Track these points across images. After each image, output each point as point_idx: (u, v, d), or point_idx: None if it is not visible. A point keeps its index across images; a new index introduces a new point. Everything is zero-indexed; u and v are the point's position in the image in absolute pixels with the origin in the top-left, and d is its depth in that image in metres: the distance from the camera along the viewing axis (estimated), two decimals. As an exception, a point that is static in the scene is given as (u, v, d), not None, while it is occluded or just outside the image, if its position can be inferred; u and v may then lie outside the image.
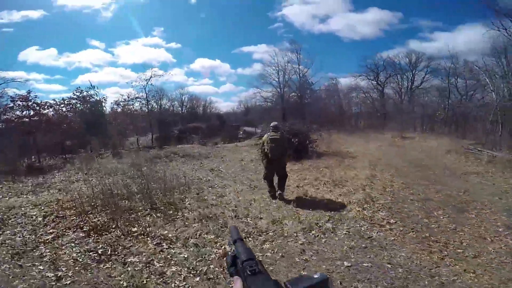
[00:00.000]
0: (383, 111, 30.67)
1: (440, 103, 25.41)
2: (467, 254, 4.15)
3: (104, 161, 10.38)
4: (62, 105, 13.16)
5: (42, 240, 3.76)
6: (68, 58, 39.20)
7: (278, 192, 5.80)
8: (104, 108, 13.91)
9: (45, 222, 4.41)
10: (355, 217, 5.26)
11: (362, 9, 52.04)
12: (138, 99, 15.10)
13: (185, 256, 3.37)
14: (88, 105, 13.64)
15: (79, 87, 13.99)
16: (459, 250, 4.29)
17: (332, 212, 5.38)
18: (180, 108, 33.19)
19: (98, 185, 6.52)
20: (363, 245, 4.18)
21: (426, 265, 3.74)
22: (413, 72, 30.59)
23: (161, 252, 3.43)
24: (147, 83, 14.53)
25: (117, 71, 41.49)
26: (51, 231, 4.04)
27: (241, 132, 32.98)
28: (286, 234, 4.27)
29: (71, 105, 13.43)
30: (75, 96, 13.63)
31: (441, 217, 5.75)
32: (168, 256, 3.34)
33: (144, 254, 3.35)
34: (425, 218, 5.62)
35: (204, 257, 3.38)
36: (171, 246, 3.62)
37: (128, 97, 15.25)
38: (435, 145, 15.39)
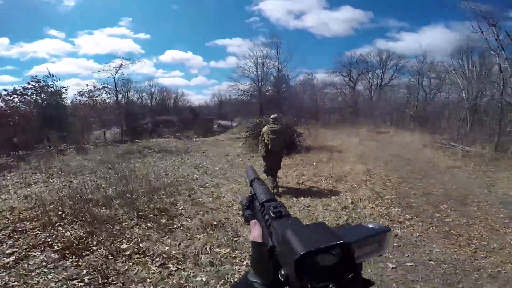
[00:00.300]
0: (354, 107, 31.69)
1: (409, 100, 26.73)
2: (493, 246, 4.12)
3: (66, 158, 8.87)
4: (13, 96, 11.05)
5: (1, 264, 2.70)
6: (21, 48, 35.56)
7: (273, 187, 5.64)
8: (64, 99, 11.98)
9: None
10: (372, 214, 4.87)
11: (335, 7, 53.44)
12: (105, 89, 13.30)
13: (204, 279, 2.59)
14: (46, 96, 11.61)
15: (35, 76, 11.93)
16: (483, 243, 4.24)
17: (347, 211, 4.95)
18: (149, 100, 30.75)
19: (63, 188, 5.36)
20: (395, 244, 3.84)
21: (465, 258, 3.60)
22: (383, 70, 32.13)
23: (170, 277, 2.59)
24: (116, 72, 12.84)
25: (78, 62, 39.24)
26: (9, 251, 2.96)
27: (216, 126, 31.87)
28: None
29: (25, 96, 11.32)
30: (30, 86, 11.54)
31: (449, 211, 5.66)
32: (182, 281, 2.52)
33: (149, 281, 2.49)
34: (436, 212, 5.49)
35: (227, 277, 2.64)
36: (179, 267, 2.79)
37: (95, 87, 13.38)
38: (410, 140, 15.94)
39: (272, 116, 5.88)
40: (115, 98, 13.69)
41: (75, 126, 12.29)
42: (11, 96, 10.94)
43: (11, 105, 10.73)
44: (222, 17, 49.39)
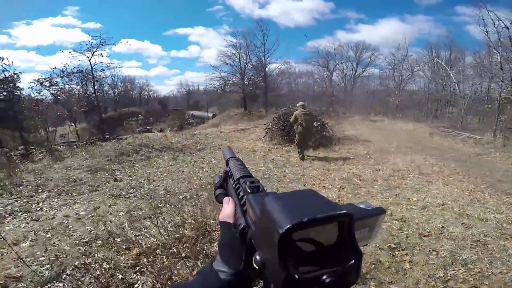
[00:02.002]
0: (332, 97, 31.74)
1: (385, 90, 27.45)
2: None
3: (39, 168, 6.25)
4: None
5: None
6: None
7: (300, 156, 7.30)
8: (19, 89, 8.72)
9: None
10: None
11: None
12: (78, 75, 10.11)
13: None
14: None
15: None
16: None
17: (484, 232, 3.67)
18: (111, 92, 26.70)
19: (69, 228, 3.25)
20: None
21: None
22: (358, 61, 32.58)
23: None
24: (92, 54, 9.77)
25: (17, 54, 35.70)
26: None
27: (188, 117, 29.13)
28: None
29: None
30: None
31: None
32: None
33: None
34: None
35: None
36: None
37: (64, 72, 10.10)
38: (411, 128, 15.78)
39: (300, 103, 7.32)
40: (85, 87, 10.56)
41: (35, 122, 9.21)
42: None
43: None
44: (182, 5, 46.39)
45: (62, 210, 3.90)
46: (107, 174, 5.89)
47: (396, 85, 29.98)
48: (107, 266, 2.38)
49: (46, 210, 3.90)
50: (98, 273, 2.25)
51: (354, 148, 8.81)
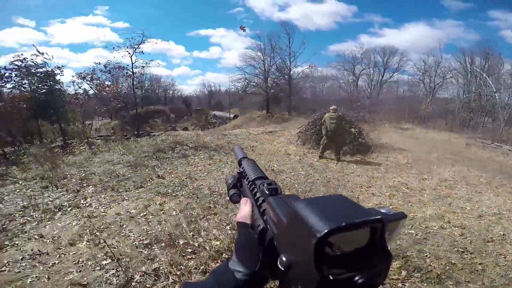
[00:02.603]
0: (357, 102, 30.88)
1: (420, 97, 26.39)
2: None
3: (79, 160, 6.34)
4: None
5: None
6: None
7: (337, 157, 7.51)
8: (59, 83, 8.98)
9: None
10: None
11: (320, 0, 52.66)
12: (112, 71, 10.28)
13: None
14: (34, 79, 8.58)
15: (21, 54, 8.78)
16: None
17: None
18: (138, 90, 27.24)
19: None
20: None
21: None
22: (385, 66, 31.50)
23: None
24: (135, 50, 9.88)
25: (52, 51, 36.55)
26: None
27: (210, 117, 29.30)
28: None
29: (6, 78, 8.25)
30: (12, 66, 8.44)
31: None
32: None
33: None
34: None
35: None
36: None
37: (106, 67, 10.31)
38: (446, 138, 15.00)
39: (332, 107, 7.59)
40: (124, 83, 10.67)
41: (74, 115, 9.44)
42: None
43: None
44: (204, 7, 47.45)
45: (111, 206, 3.83)
46: (147, 170, 5.84)
47: (426, 92, 28.87)
48: (178, 272, 2.21)
49: (96, 206, 3.84)
50: (172, 280, 2.08)
51: (392, 157, 8.41)
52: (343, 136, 7.79)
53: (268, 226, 0.35)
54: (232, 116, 31.35)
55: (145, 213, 3.53)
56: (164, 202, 4.00)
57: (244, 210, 0.40)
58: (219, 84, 48.09)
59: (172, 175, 5.52)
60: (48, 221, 3.37)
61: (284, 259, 0.27)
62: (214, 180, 5.36)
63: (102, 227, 3.13)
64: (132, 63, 10.08)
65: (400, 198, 4.97)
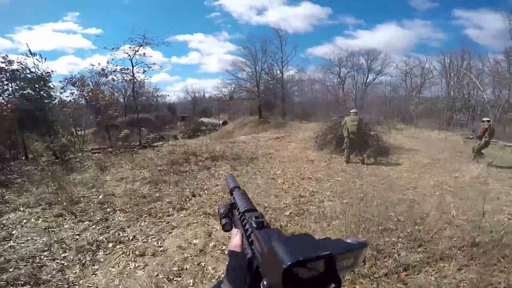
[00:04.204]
0: (343, 103, 31.42)
1: (403, 98, 27.19)
2: None
3: (88, 180, 5.42)
4: None
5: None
6: None
7: (361, 160, 7.47)
8: (50, 88, 7.77)
9: None
10: None
11: (296, 2, 53.56)
12: (122, 73, 9.15)
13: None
14: (24, 83, 7.31)
15: (5, 55, 7.56)
16: None
17: None
18: (139, 96, 25.68)
19: None
20: None
21: None
22: (369, 68, 32.35)
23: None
24: (135, 53, 8.87)
25: (20, 59, 33.32)
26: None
27: (200, 124, 28.28)
28: None
29: None
30: None
31: None
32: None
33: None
34: None
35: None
36: None
37: (104, 70, 9.16)
38: (443, 137, 15.36)
39: (352, 110, 7.80)
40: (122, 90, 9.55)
41: (66, 126, 8.33)
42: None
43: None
44: (181, 12, 46.89)
45: (163, 237, 3.13)
46: (172, 187, 5.12)
47: (408, 93, 29.96)
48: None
49: (143, 240, 3.12)
50: None
51: (411, 157, 8.33)
52: (364, 138, 7.82)
53: (255, 255, 0.40)
54: (221, 122, 30.60)
55: (213, 243, 2.88)
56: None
57: (235, 240, 0.45)
58: (203, 90, 47.23)
59: (206, 191, 4.85)
60: (92, 264, 2.61)
61: (265, 282, 0.33)
62: (256, 194, 4.77)
63: (175, 269, 2.44)
64: (133, 66, 9.17)
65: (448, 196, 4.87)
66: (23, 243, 3.16)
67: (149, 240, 3.07)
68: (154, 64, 10.07)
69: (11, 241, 3.19)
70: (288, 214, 4.00)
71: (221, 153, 8.06)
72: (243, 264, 0.41)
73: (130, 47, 9.16)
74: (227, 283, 0.42)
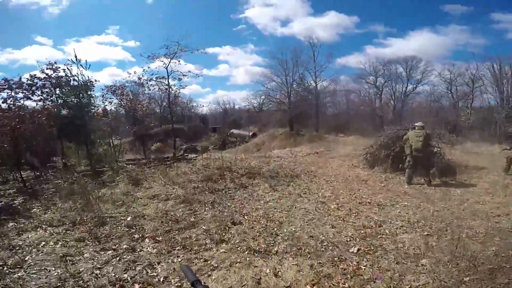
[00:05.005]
0: (384, 115, 29.37)
1: (450, 107, 24.67)
2: None
3: (119, 196, 4.97)
4: (17, 89, 6.90)
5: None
6: (11, 55, 34.98)
7: (427, 181, 6.28)
8: (92, 96, 7.79)
9: None
10: None
11: (320, 13, 52.59)
12: (157, 82, 9.09)
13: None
14: (67, 90, 7.37)
15: (54, 62, 7.55)
16: None
17: None
18: (158, 109, 26.51)
19: None
20: None
21: None
22: (408, 77, 30.10)
23: None
24: (170, 61, 8.78)
25: (66, 66, 37.07)
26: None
27: (230, 135, 28.08)
28: None
29: (35, 89, 7.07)
30: (44, 75, 7.23)
31: None
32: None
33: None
34: None
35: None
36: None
37: (140, 79, 9.17)
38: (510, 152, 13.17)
39: (417, 124, 6.67)
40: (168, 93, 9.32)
41: (104, 136, 8.22)
42: (13, 90, 6.75)
43: (14, 104, 6.59)
44: (211, 25, 48.78)
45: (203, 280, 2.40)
46: (207, 209, 4.45)
47: (454, 102, 27.20)
48: None
49: (177, 284, 2.42)
50: None
51: (483, 177, 7.01)
52: (430, 156, 6.60)
53: None
54: (250, 134, 30.22)
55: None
56: (276, 269, 2.56)
57: None
58: (233, 101, 47.76)
59: (246, 217, 4.10)
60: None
61: None
62: (304, 222, 3.94)
63: None
64: (168, 75, 9.01)
65: None
66: (35, 273, 2.64)
67: (184, 285, 2.36)
68: (189, 71, 9.83)
69: (22, 270, 2.69)
70: (355, 252, 3.10)
71: (257, 169, 7.34)
72: None
73: (165, 55, 8.99)
74: None
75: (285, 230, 3.66)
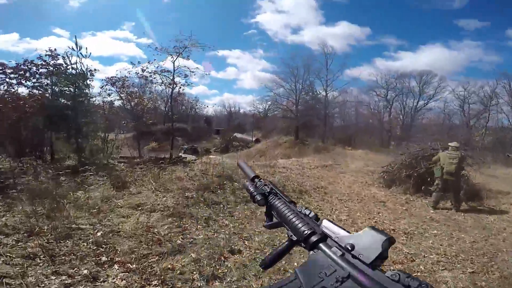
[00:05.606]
0: (394, 129, 28.52)
1: (462, 126, 23.83)
2: None
3: (95, 202, 4.20)
4: (12, 74, 6.45)
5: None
6: (29, 44, 33.62)
7: (456, 206, 5.59)
8: (89, 87, 7.13)
9: None
10: None
11: (332, 22, 52.29)
12: (161, 76, 8.42)
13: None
14: (64, 79, 6.76)
15: (53, 49, 7.14)
16: None
17: None
18: (163, 106, 25.79)
19: None
20: None
21: None
22: (420, 92, 29.25)
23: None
24: (178, 55, 8.16)
25: (84, 62, 37.45)
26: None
27: (233, 139, 27.30)
28: None
29: (29, 75, 6.49)
30: (41, 62, 6.80)
31: None
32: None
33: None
34: None
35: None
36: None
37: (143, 71, 8.46)
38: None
39: (452, 143, 5.96)
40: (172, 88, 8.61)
41: (97, 129, 7.49)
42: (6, 76, 6.17)
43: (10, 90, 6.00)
44: (220, 29, 49.22)
45: None
46: (200, 227, 3.66)
47: (466, 121, 26.27)
48: None
49: None
50: None
51: None
52: (459, 181, 5.83)
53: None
54: (254, 139, 29.45)
55: None
56: None
57: None
58: (238, 105, 47.30)
59: (247, 243, 3.30)
60: None
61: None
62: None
63: None
64: (174, 70, 8.33)
65: None
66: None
67: None
68: (197, 68, 9.14)
69: None
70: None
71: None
72: None
73: (174, 48, 8.32)
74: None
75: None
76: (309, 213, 0.52)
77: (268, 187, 0.65)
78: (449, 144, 6.04)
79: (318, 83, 24.62)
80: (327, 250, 0.43)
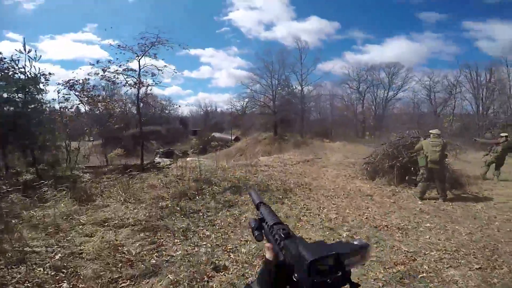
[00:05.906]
0: (367, 120, 29.40)
1: (429, 114, 25.09)
2: None
3: (56, 219, 3.60)
4: None
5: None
6: None
7: (443, 196, 5.48)
8: (42, 92, 6.28)
9: None
10: None
11: (303, 17, 53.35)
12: (127, 75, 7.58)
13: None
14: (10, 85, 5.81)
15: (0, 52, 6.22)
16: None
17: None
18: (134, 110, 24.39)
19: None
20: None
21: None
22: (390, 83, 30.43)
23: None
24: (144, 53, 7.40)
25: (43, 66, 34.42)
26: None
27: (211, 139, 26.61)
28: None
29: None
30: None
31: None
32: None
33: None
34: None
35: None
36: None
37: (105, 70, 7.54)
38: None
39: (434, 131, 5.72)
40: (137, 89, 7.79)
41: (55, 138, 6.65)
42: None
43: None
44: (194, 26, 47.90)
45: None
46: (178, 241, 3.23)
47: (432, 109, 27.76)
48: None
49: None
50: None
51: (492, 188, 6.43)
52: (444, 169, 5.71)
53: (285, 258, 0.50)
54: (233, 138, 28.94)
55: None
56: None
57: (269, 252, 0.53)
58: (215, 104, 46.31)
59: (233, 256, 2.92)
60: None
61: (296, 275, 0.44)
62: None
63: None
64: (140, 69, 7.62)
65: None
66: None
67: None
68: (165, 66, 8.48)
69: None
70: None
71: (244, 181, 6.20)
72: (272, 269, 0.51)
73: (139, 45, 7.64)
74: (257, 284, 0.53)
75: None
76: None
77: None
78: (431, 131, 5.77)
79: (293, 78, 24.63)
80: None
